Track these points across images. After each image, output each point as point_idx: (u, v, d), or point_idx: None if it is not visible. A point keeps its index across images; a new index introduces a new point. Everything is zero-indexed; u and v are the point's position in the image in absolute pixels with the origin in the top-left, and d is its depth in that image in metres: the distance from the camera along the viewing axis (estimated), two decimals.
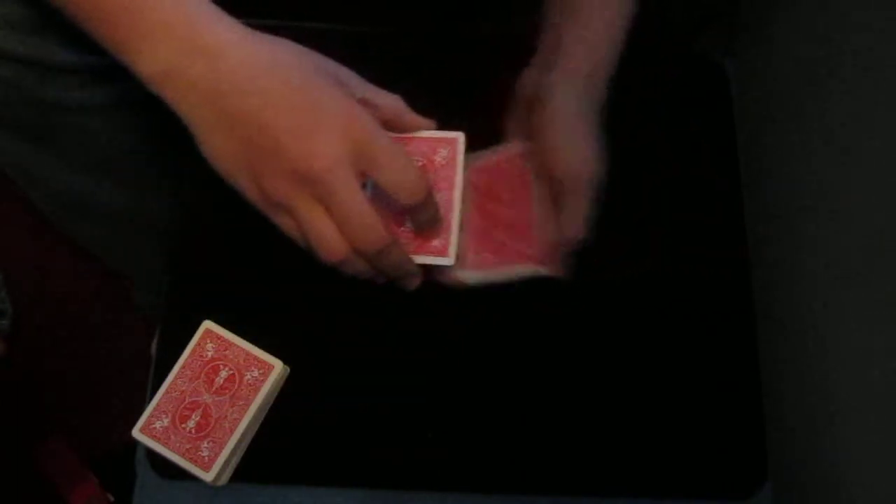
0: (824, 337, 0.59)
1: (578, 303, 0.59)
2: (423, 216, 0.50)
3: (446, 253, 0.52)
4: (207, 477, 0.52)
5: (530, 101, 0.55)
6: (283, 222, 0.48)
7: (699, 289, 0.62)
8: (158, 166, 0.72)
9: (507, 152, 0.57)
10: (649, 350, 0.60)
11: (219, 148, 0.46)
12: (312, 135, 0.44)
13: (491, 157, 0.58)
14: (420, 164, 0.52)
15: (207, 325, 0.55)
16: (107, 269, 1.01)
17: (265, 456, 0.56)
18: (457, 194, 0.52)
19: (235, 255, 0.61)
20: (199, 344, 0.55)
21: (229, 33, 0.45)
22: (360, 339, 0.59)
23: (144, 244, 0.80)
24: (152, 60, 0.44)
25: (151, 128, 0.69)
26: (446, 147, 0.53)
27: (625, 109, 0.65)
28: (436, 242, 0.52)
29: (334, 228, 0.46)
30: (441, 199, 0.52)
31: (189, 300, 0.60)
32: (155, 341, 0.62)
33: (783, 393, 0.61)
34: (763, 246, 0.64)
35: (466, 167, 0.54)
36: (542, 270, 0.55)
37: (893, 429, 0.51)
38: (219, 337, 0.55)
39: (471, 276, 0.55)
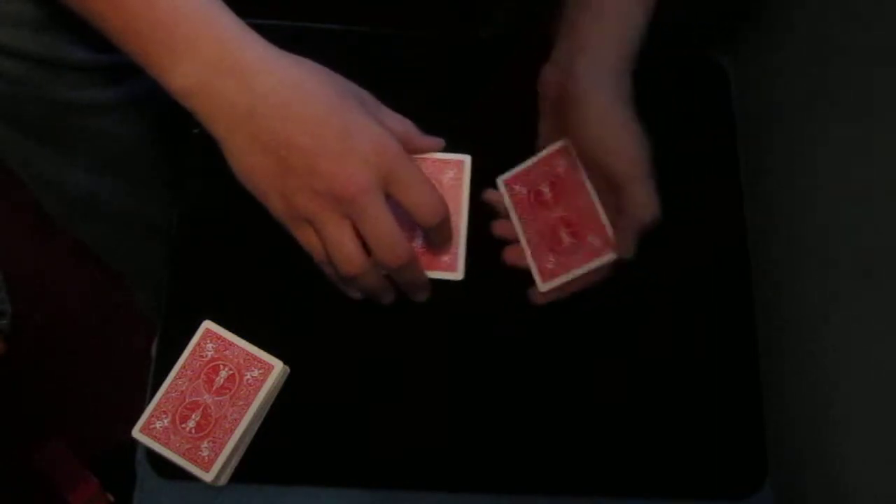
0: (824, 337, 0.59)
1: (578, 302, 0.59)
2: (438, 237, 0.53)
3: (455, 268, 0.56)
4: (207, 477, 0.52)
5: (559, 99, 0.55)
6: (305, 235, 0.50)
7: (699, 289, 0.62)
8: (164, 166, 0.72)
9: (543, 155, 0.58)
10: (649, 350, 0.60)
11: (250, 165, 0.48)
12: (346, 159, 0.46)
13: (527, 165, 0.59)
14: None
15: (207, 325, 0.55)
16: (107, 270, 1.01)
17: (265, 456, 0.56)
18: (464, 213, 0.57)
19: (235, 256, 0.61)
20: (199, 344, 0.55)
21: (259, 53, 0.47)
22: (360, 339, 0.59)
23: (146, 244, 0.80)
24: (182, 76, 0.45)
25: (159, 128, 0.69)
26: (453, 168, 0.57)
27: None
28: (445, 258, 0.56)
29: (357, 243, 0.49)
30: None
31: (189, 300, 0.60)
32: (155, 341, 0.62)
33: (783, 393, 0.61)
34: (763, 245, 0.64)
35: (507, 182, 0.59)
36: (615, 257, 0.55)
37: (893, 429, 0.51)
38: (219, 337, 0.55)
39: (549, 285, 0.57)
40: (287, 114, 0.46)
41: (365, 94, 0.52)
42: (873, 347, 0.54)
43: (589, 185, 0.56)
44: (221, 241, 0.62)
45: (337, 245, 0.49)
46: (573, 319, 0.59)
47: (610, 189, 0.54)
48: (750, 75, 0.69)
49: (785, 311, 0.63)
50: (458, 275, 0.56)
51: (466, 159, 0.57)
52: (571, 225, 0.57)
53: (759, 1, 0.69)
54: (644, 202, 0.52)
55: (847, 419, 0.56)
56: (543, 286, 0.57)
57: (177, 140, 0.65)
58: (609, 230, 0.55)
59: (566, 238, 0.57)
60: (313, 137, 0.46)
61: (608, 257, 0.55)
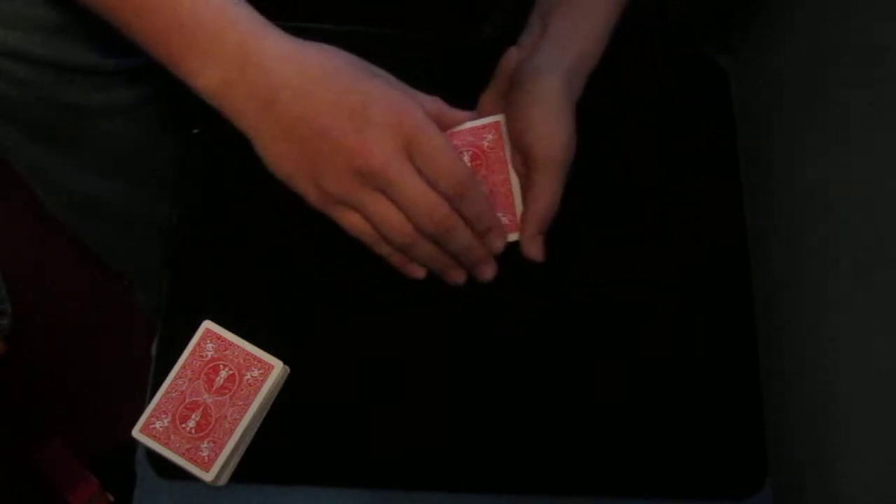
0: (824, 337, 0.59)
1: (577, 302, 0.59)
2: (470, 209, 0.52)
3: (515, 228, 0.56)
4: (207, 477, 0.52)
5: (511, 80, 0.56)
6: (347, 218, 0.51)
7: (699, 288, 0.62)
8: (164, 166, 0.72)
9: (474, 125, 0.58)
10: (649, 350, 0.60)
11: (278, 154, 0.49)
12: (366, 133, 0.47)
13: (456, 130, 0.58)
14: (470, 153, 0.56)
15: (207, 325, 0.55)
16: (107, 269, 1.01)
17: (265, 456, 0.56)
18: (512, 172, 0.56)
19: (235, 256, 0.61)
20: (199, 344, 0.55)
21: (279, 45, 0.48)
22: (360, 339, 0.59)
23: (146, 244, 0.80)
24: (208, 75, 0.47)
25: (160, 128, 0.69)
26: (490, 132, 0.56)
27: (625, 109, 0.65)
28: (505, 220, 0.56)
29: (400, 214, 0.49)
30: (498, 181, 0.56)
31: (189, 300, 0.60)
32: (155, 341, 0.62)
33: (783, 393, 0.61)
34: (763, 245, 0.64)
35: None
36: (518, 238, 0.56)
37: (893, 429, 0.51)
38: (219, 337, 0.55)
39: None
40: (306, 98, 0.47)
41: (390, 77, 0.52)
42: (873, 347, 0.54)
43: (510, 166, 0.57)
44: (221, 241, 0.62)
45: (380, 218, 0.49)
46: (573, 319, 0.59)
47: (525, 172, 0.55)
48: (750, 75, 0.69)
49: (785, 311, 0.63)
50: (517, 235, 0.56)
51: (501, 118, 0.56)
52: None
53: (759, 1, 0.69)
54: (545, 191, 0.53)
55: (847, 419, 0.56)
56: None
57: (177, 140, 0.66)
58: (519, 212, 0.56)
59: None
60: (332, 117, 0.47)
61: (512, 237, 0.56)
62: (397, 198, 0.49)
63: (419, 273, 0.56)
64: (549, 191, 0.54)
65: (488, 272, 0.56)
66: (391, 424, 0.57)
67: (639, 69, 0.64)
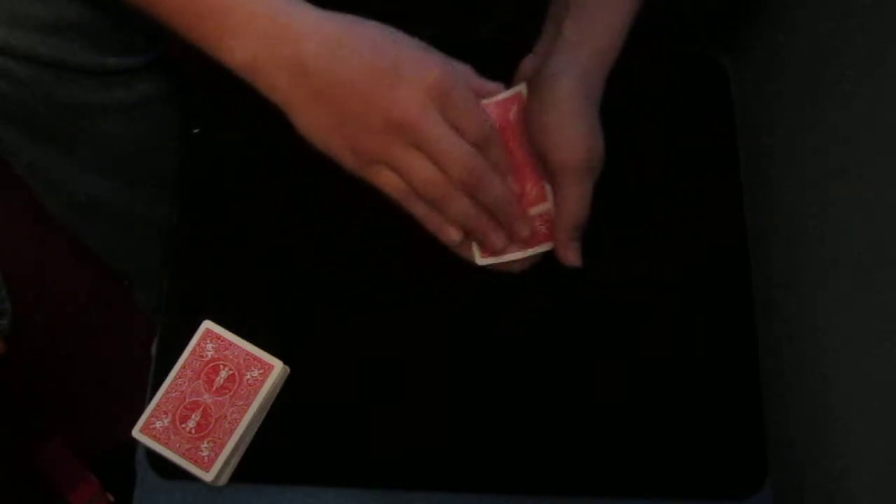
0: (824, 337, 0.59)
1: (578, 302, 0.59)
2: (492, 157, 0.52)
3: (543, 200, 0.55)
4: (207, 477, 0.52)
5: (527, 88, 0.55)
6: (382, 177, 0.51)
7: (699, 288, 0.62)
8: (164, 166, 0.72)
9: (504, 97, 0.56)
10: (649, 350, 0.60)
11: (312, 122, 0.49)
12: (397, 87, 0.48)
13: (489, 102, 0.56)
14: (497, 126, 0.55)
15: (207, 325, 0.55)
16: (107, 269, 1.01)
17: (265, 456, 0.56)
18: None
19: (235, 256, 0.61)
20: (199, 344, 0.55)
21: (307, 18, 0.49)
22: (360, 339, 0.59)
23: (146, 244, 0.80)
24: (241, 52, 0.48)
25: (160, 128, 0.69)
26: (514, 104, 0.56)
27: (625, 109, 0.65)
28: (533, 192, 0.56)
29: (434, 167, 0.50)
30: (526, 153, 0.55)
31: (189, 300, 0.60)
32: (155, 341, 0.62)
33: (783, 392, 0.61)
34: (763, 245, 0.64)
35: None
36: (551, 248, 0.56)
37: (893, 429, 0.51)
38: (219, 337, 0.55)
39: (490, 260, 0.56)
40: (336, 64, 0.48)
41: (419, 41, 0.52)
42: (873, 347, 0.54)
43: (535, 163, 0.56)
44: (221, 241, 0.62)
45: (415, 172, 0.50)
46: (573, 319, 0.59)
47: (550, 180, 0.55)
48: (750, 75, 0.69)
49: (785, 311, 0.63)
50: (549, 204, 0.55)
51: (523, 88, 0.56)
52: (514, 171, 0.56)
53: (759, 1, 0.69)
54: (573, 198, 0.53)
55: (847, 419, 0.56)
56: (481, 260, 0.57)
57: (177, 140, 0.66)
58: (547, 184, 0.55)
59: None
60: (363, 78, 0.48)
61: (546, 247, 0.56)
62: (432, 149, 0.49)
63: (455, 236, 0.54)
64: (571, 197, 0.53)
65: (524, 230, 0.55)
66: (391, 424, 0.57)
67: (639, 69, 0.64)
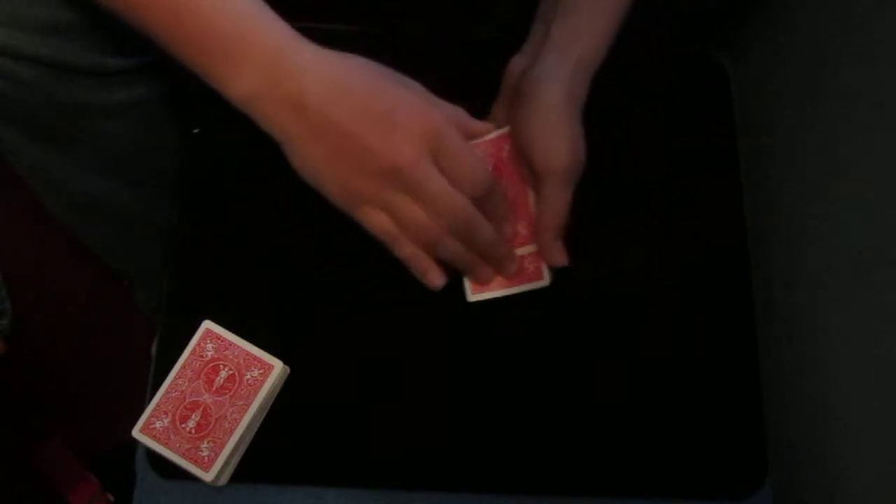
0: (824, 336, 0.59)
1: (577, 302, 0.59)
2: (490, 204, 0.53)
3: (532, 240, 0.56)
4: (207, 477, 0.52)
5: (515, 90, 0.56)
6: (371, 217, 0.52)
7: (699, 288, 0.62)
8: (164, 166, 0.72)
9: (492, 137, 0.57)
10: (649, 350, 0.60)
11: (308, 158, 0.50)
12: (393, 135, 0.49)
13: (483, 141, 0.58)
14: (492, 164, 0.57)
15: (207, 325, 0.55)
16: (107, 269, 1.01)
17: (265, 456, 0.56)
18: (529, 187, 0.57)
19: (235, 256, 0.61)
20: (199, 344, 0.55)
21: (309, 55, 0.49)
22: (360, 339, 0.59)
23: (146, 244, 0.80)
24: (241, 85, 0.48)
25: (160, 128, 0.69)
26: (507, 142, 0.57)
27: (625, 108, 0.65)
28: (523, 231, 0.56)
29: (425, 214, 0.51)
30: (518, 191, 0.56)
31: (189, 300, 0.60)
32: (155, 341, 0.62)
33: (783, 392, 0.61)
34: (763, 245, 0.64)
35: None
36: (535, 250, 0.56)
37: (893, 429, 0.51)
38: (219, 337, 0.55)
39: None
40: (335, 104, 0.48)
41: (416, 84, 0.53)
42: (873, 347, 0.54)
43: (525, 174, 0.57)
44: (221, 241, 0.62)
45: (407, 215, 0.50)
46: (573, 319, 0.59)
47: (533, 183, 0.55)
48: (750, 75, 0.69)
49: (785, 311, 0.63)
50: (546, 280, 0.56)
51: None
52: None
53: (759, 1, 0.69)
54: (557, 202, 0.54)
55: (847, 419, 0.56)
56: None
57: (177, 140, 0.66)
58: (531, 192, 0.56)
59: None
60: (360, 120, 0.49)
61: (528, 249, 0.56)
62: (424, 196, 0.50)
63: (438, 281, 0.55)
64: (554, 200, 0.54)
65: (511, 268, 0.57)
66: (391, 424, 0.57)
67: (639, 68, 0.64)
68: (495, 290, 0.57)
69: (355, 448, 0.57)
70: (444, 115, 0.51)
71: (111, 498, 0.97)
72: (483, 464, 0.57)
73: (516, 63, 0.57)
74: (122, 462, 0.64)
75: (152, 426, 0.53)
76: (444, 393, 0.58)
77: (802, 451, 0.59)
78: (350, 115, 0.49)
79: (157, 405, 0.54)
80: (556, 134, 0.53)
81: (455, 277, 0.57)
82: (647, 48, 0.64)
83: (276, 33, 0.49)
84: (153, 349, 0.60)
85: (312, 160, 0.50)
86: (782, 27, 0.68)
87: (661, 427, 0.58)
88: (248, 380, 0.54)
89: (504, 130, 0.57)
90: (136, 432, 0.53)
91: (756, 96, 0.69)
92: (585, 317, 0.59)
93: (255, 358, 0.55)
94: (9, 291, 1.06)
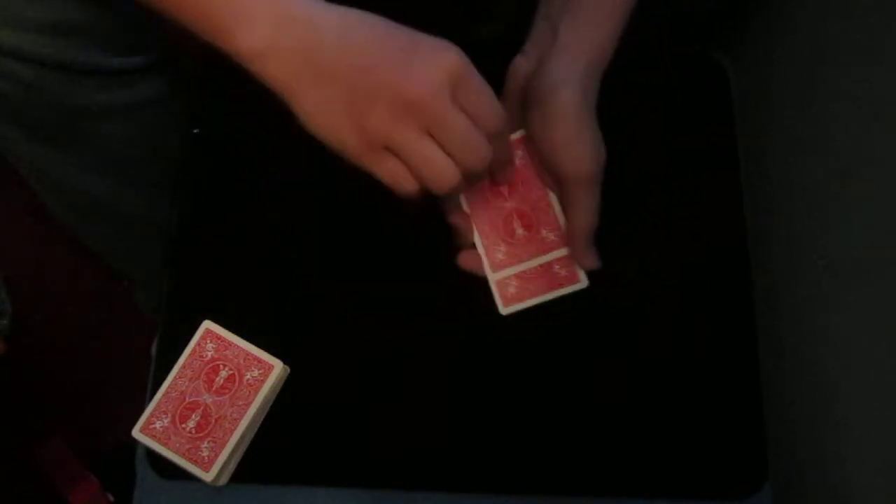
0: (824, 336, 0.59)
1: (578, 302, 0.59)
2: (500, 144, 0.52)
3: (562, 244, 0.57)
4: (207, 477, 0.52)
5: (524, 91, 0.55)
6: (388, 167, 0.49)
7: (699, 288, 0.62)
8: (164, 166, 0.72)
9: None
10: (649, 350, 0.60)
11: (318, 104, 0.48)
12: (413, 64, 0.46)
13: None
14: None
15: (207, 325, 0.55)
16: (107, 269, 1.01)
17: (265, 456, 0.56)
18: (549, 190, 0.57)
19: (235, 256, 0.61)
20: (199, 344, 0.55)
21: (314, 5, 0.48)
22: (360, 339, 0.59)
23: (146, 244, 0.80)
24: (252, 39, 0.46)
25: (161, 128, 0.69)
26: (519, 148, 0.56)
27: (625, 109, 0.65)
28: (551, 237, 0.57)
29: (444, 155, 0.48)
30: (536, 197, 0.57)
31: (189, 300, 0.60)
32: (155, 341, 0.62)
33: (783, 393, 0.61)
34: (763, 245, 0.64)
35: None
36: (584, 285, 0.57)
37: (893, 429, 0.51)
38: (219, 337, 0.55)
39: (502, 274, 0.57)
40: (347, 45, 0.47)
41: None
42: (873, 347, 0.54)
43: (545, 178, 0.57)
44: (221, 241, 0.62)
45: (425, 161, 0.48)
46: (573, 319, 0.59)
47: (558, 189, 0.55)
48: (750, 75, 0.69)
49: (785, 311, 0.63)
50: (584, 282, 0.57)
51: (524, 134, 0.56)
52: (524, 217, 0.57)
53: (759, 1, 0.69)
54: (584, 207, 0.54)
55: (847, 420, 0.56)
56: (494, 275, 0.57)
57: (177, 140, 0.66)
58: (562, 225, 0.57)
59: (519, 230, 0.57)
60: (380, 52, 0.47)
61: (560, 252, 0.57)
62: (445, 134, 0.47)
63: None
64: (586, 206, 0.54)
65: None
66: (391, 424, 0.57)
67: (639, 69, 0.64)
68: (530, 299, 0.57)
69: (355, 448, 0.57)
70: (463, 53, 0.48)
71: (111, 498, 0.97)
72: (483, 464, 0.57)
73: (519, 64, 0.57)
74: (122, 462, 0.64)
75: (152, 426, 0.53)
76: (443, 393, 0.58)
77: (802, 451, 0.59)
78: (369, 48, 0.47)
79: (157, 405, 0.54)
80: (581, 141, 0.53)
81: (455, 278, 0.57)
82: (647, 48, 0.64)
83: None
84: (153, 349, 0.61)
85: (323, 108, 0.48)
86: (782, 27, 0.68)
87: (661, 427, 0.58)
88: (248, 380, 0.54)
89: (518, 135, 0.57)
90: (136, 432, 0.53)
91: (756, 96, 0.69)
92: (585, 316, 0.59)
93: (255, 358, 0.55)
94: (9, 291, 1.06)
